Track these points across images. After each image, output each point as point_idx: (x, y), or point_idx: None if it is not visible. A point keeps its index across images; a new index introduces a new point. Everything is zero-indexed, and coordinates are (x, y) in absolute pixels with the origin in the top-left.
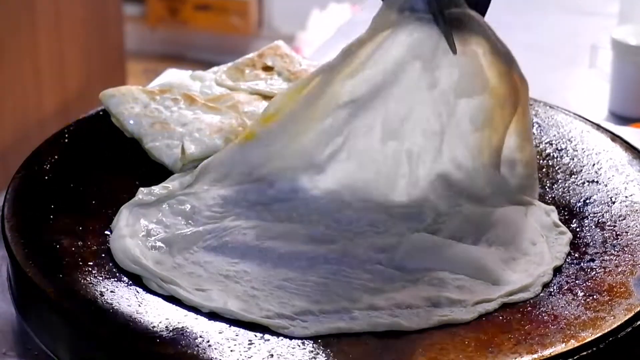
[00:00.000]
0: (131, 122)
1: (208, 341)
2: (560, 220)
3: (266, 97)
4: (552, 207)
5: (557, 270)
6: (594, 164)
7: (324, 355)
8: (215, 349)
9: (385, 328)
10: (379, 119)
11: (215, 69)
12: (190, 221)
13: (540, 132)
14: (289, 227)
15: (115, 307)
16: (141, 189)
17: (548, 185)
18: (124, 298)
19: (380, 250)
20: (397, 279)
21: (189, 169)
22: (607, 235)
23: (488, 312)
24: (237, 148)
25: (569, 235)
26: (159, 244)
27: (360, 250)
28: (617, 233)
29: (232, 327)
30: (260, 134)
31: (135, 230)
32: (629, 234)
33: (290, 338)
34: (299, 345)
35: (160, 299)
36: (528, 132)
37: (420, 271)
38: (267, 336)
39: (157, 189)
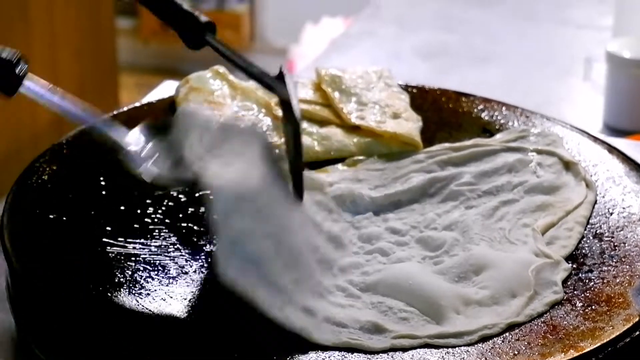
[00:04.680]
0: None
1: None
2: None
3: None
4: (567, 266)
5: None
6: (591, 176)
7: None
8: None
9: (294, 330)
10: None
11: None
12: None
13: None
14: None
15: (115, 316)
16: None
17: None
18: (123, 307)
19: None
20: (354, 297)
21: None
22: (605, 246)
23: (404, 348)
24: None
25: (559, 297)
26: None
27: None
28: (615, 244)
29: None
30: None
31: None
32: (626, 244)
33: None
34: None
35: (161, 308)
36: None
37: (379, 296)
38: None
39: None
